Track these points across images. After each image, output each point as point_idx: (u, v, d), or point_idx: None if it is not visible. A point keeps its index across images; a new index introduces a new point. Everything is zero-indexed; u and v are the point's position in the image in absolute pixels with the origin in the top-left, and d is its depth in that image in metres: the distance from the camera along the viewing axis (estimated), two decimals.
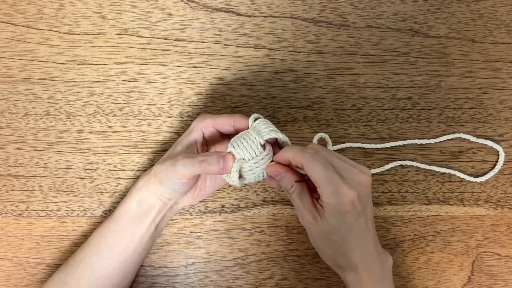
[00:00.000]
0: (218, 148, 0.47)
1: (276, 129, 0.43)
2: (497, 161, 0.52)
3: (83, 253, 0.46)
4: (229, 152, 0.42)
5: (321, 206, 0.41)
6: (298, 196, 0.42)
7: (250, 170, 0.42)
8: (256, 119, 0.43)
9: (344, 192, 0.39)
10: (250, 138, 0.42)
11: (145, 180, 0.45)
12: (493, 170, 0.51)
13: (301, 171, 0.43)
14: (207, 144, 0.47)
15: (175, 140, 0.51)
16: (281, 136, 0.42)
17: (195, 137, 0.45)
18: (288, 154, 0.42)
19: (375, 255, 0.42)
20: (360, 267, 0.41)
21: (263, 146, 0.42)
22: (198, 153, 0.45)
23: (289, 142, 0.44)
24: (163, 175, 0.43)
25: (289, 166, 0.43)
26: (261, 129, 0.42)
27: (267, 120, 0.43)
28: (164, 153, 0.51)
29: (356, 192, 0.39)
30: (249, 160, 0.42)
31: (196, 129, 0.45)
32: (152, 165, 0.51)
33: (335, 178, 0.39)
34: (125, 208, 0.46)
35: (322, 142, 0.49)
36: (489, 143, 0.51)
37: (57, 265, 0.50)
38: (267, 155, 0.42)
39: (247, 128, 0.43)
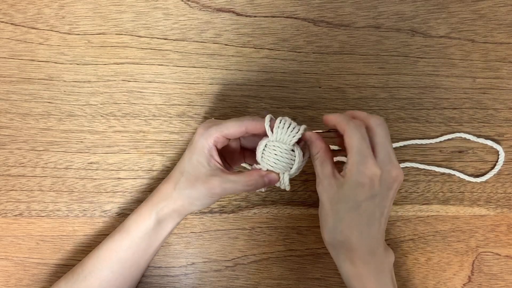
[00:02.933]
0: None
1: (295, 126, 0.43)
2: (497, 161, 0.52)
3: (91, 264, 0.45)
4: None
5: (342, 176, 0.41)
6: (320, 163, 0.42)
7: (297, 169, 0.44)
8: (270, 120, 0.43)
9: (370, 165, 0.39)
10: (281, 152, 0.42)
11: (168, 203, 0.44)
12: (493, 170, 0.51)
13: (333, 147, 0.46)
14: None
15: (176, 140, 0.51)
16: (302, 130, 0.43)
17: (211, 154, 0.43)
18: (336, 119, 0.42)
19: (375, 246, 0.41)
20: (356, 253, 0.40)
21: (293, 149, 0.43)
22: (219, 164, 0.43)
23: (306, 128, 0.43)
24: (196, 199, 0.44)
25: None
26: (284, 138, 0.42)
27: (281, 119, 0.42)
28: (164, 153, 0.51)
29: (380, 173, 0.39)
30: (290, 168, 0.43)
31: (209, 147, 0.43)
32: (153, 165, 0.51)
33: (367, 152, 0.39)
34: (141, 226, 0.44)
35: None
36: (489, 142, 0.51)
37: (57, 265, 0.50)
38: (299, 154, 0.43)
39: (263, 131, 0.42)
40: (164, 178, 0.50)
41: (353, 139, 0.40)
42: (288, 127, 0.42)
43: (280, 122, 0.42)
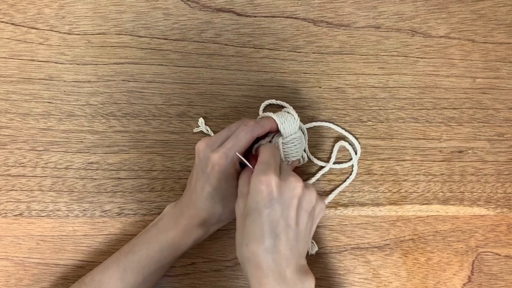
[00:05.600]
0: None
1: (288, 114, 0.47)
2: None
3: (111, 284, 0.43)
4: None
5: None
6: (242, 184, 0.43)
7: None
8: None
9: (268, 172, 0.39)
10: (298, 141, 0.46)
11: (206, 230, 0.45)
12: (350, 162, 0.51)
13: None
14: None
15: (176, 140, 0.51)
16: (296, 114, 0.47)
17: (238, 173, 0.44)
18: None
19: (283, 265, 0.37)
20: (263, 272, 0.37)
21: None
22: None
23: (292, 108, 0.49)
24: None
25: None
26: (293, 129, 0.46)
27: (279, 116, 0.46)
28: (164, 153, 0.51)
29: (278, 180, 0.39)
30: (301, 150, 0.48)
31: (237, 170, 0.43)
32: (153, 165, 0.51)
33: (272, 163, 0.41)
34: (172, 240, 0.44)
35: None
36: (348, 135, 0.51)
37: (57, 265, 0.50)
38: (302, 132, 0.49)
39: (265, 132, 0.45)
40: (164, 179, 0.51)
41: (264, 153, 0.41)
42: (288, 118, 0.46)
43: (281, 118, 0.46)
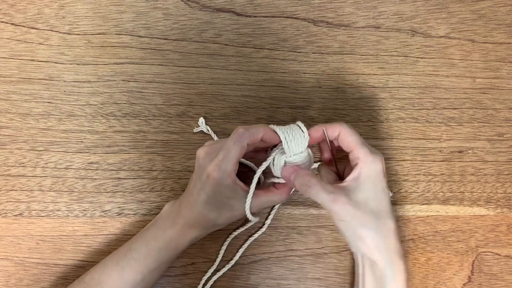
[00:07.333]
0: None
1: (297, 130, 0.42)
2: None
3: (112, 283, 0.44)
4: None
5: (346, 182, 0.41)
6: (321, 186, 0.41)
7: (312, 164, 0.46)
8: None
9: (377, 152, 0.42)
10: (301, 159, 0.42)
11: (199, 236, 0.45)
12: None
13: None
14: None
15: (176, 140, 0.51)
16: (307, 133, 0.42)
17: (236, 183, 0.43)
18: (323, 127, 0.43)
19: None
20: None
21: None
22: (245, 187, 0.43)
23: (303, 124, 0.43)
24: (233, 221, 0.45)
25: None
26: (299, 149, 0.42)
27: (285, 133, 0.42)
28: (164, 153, 0.51)
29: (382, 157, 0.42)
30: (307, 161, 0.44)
31: (234, 181, 0.42)
32: (153, 165, 0.51)
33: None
34: (170, 239, 0.44)
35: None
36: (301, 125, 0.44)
37: (57, 265, 0.50)
38: (310, 151, 0.44)
39: (258, 140, 0.42)
40: (164, 179, 0.51)
41: (355, 134, 0.42)
42: (295, 135, 0.42)
43: (287, 135, 0.41)
